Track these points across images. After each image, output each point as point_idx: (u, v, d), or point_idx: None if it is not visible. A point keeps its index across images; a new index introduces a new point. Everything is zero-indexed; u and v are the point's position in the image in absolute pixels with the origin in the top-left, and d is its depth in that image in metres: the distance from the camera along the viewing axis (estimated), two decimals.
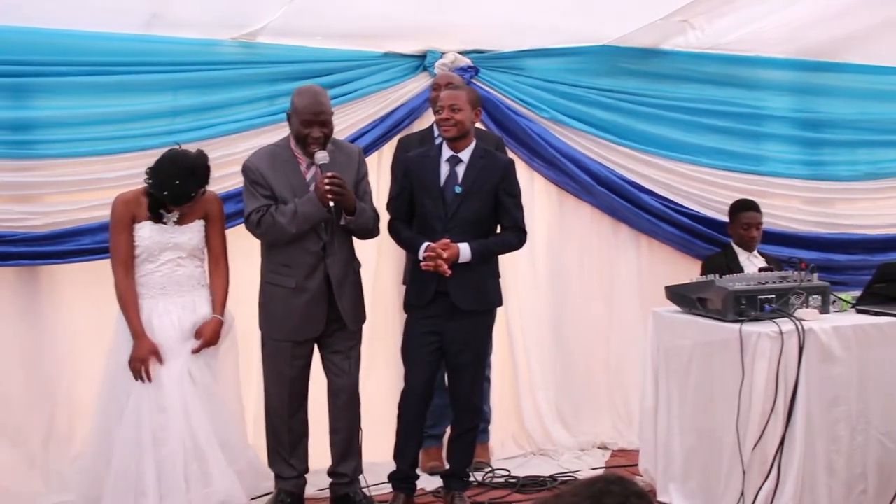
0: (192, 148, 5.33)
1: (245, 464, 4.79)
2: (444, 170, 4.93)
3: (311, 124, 4.77)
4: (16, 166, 5.39)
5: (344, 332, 4.99)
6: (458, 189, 4.88)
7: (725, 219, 6.46)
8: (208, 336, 4.76)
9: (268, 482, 5.04)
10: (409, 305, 5.07)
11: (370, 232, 5.05)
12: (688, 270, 6.18)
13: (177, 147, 4.78)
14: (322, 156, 4.77)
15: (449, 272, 4.77)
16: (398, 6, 5.46)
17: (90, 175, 5.34)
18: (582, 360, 6.46)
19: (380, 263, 6.00)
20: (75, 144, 5.47)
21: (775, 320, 4.55)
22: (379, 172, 5.99)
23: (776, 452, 4.44)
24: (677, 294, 5.01)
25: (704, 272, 5.94)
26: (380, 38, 5.98)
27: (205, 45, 5.75)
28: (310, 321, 4.92)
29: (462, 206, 4.87)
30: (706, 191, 6.58)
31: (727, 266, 5.96)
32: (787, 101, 6.80)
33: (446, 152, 4.94)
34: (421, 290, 4.96)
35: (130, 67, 5.59)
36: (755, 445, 4.45)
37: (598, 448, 6.24)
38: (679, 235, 6.48)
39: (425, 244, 4.83)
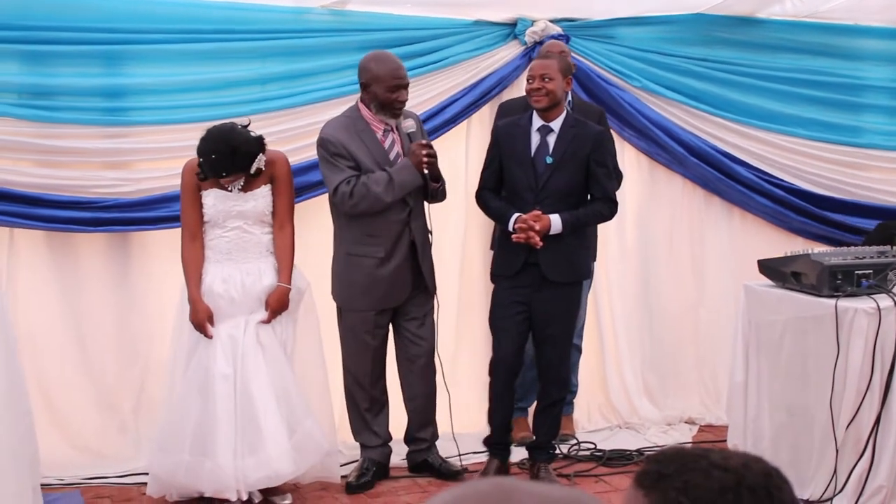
0: (281, 115, 5.61)
1: (302, 435, 4.79)
2: (535, 139, 4.94)
3: (397, 88, 4.88)
4: (108, 133, 5.52)
5: (418, 299, 5.09)
6: (549, 160, 4.89)
7: (820, 191, 6.41)
8: (275, 305, 4.81)
9: (326, 457, 5.02)
10: (496, 275, 5.11)
11: (444, 195, 5.17)
12: (781, 243, 6.13)
13: (237, 124, 4.80)
14: (409, 124, 4.91)
15: (540, 244, 4.79)
16: None
17: (181, 142, 5.37)
18: (670, 333, 6.44)
19: (468, 231, 6.03)
20: (166, 112, 5.57)
21: (872, 296, 4.51)
22: (468, 141, 6.06)
23: (871, 431, 4.41)
24: (770, 268, 4.99)
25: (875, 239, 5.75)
26: (470, 6, 6.00)
27: (295, 13, 5.80)
28: (397, 289, 5.02)
29: (553, 177, 4.89)
30: (801, 162, 6.53)
31: None
32: (887, 71, 6.70)
33: (537, 121, 4.95)
34: (510, 260, 4.98)
35: (221, 35, 5.66)
36: (849, 424, 4.43)
37: (686, 423, 6.24)
38: (773, 208, 6.44)
39: (515, 215, 4.85)
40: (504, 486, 1.29)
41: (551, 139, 4.91)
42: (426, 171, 4.87)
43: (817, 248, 5.19)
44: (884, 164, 6.71)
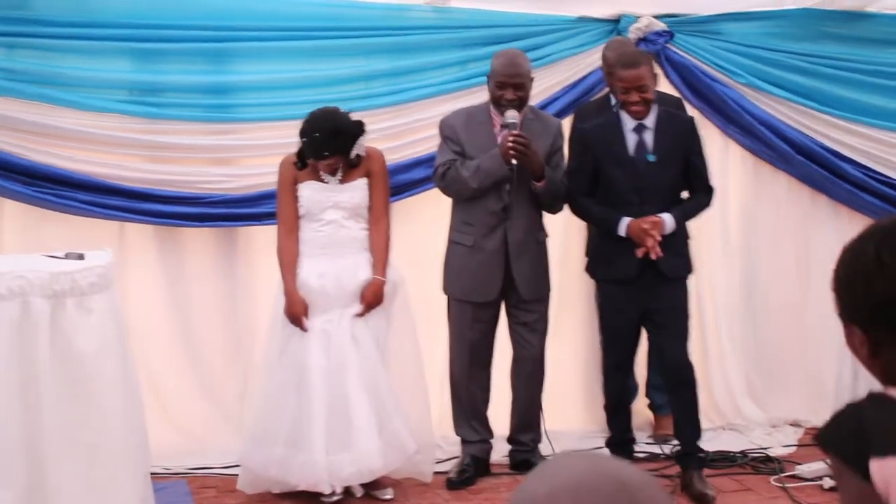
0: (385, 112, 5.67)
1: (390, 433, 4.77)
2: (632, 139, 4.91)
3: (504, 86, 4.88)
4: (215, 129, 5.66)
5: (527, 304, 5.05)
6: (651, 157, 4.87)
7: None
8: (370, 298, 4.82)
9: (414, 456, 4.97)
10: (608, 280, 5.07)
11: (557, 204, 5.09)
12: None
13: (340, 108, 4.87)
14: (511, 114, 4.84)
15: (661, 254, 4.76)
16: None
17: (286, 139, 5.35)
18: (775, 332, 6.34)
19: (568, 236, 5.96)
20: (272, 108, 5.66)
21: None
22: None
23: None
24: None
25: None
26: (573, 2, 5.99)
27: (398, 10, 5.88)
28: (484, 282, 5.01)
29: (657, 175, 4.86)
30: None
31: None
32: None
33: (628, 120, 4.91)
34: (626, 263, 4.90)
35: (325, 32, 5.76)
36: None
37: (790, 425, 6.14)
38: (882, 206, 6.25)
39: (626, 220, 4.81)
40: (626, 486, 1.29)
41: (648, 137, 4.89)
42: (514, 162, 4.79)
43: None
44: None
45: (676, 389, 5.09)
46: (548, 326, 5.18)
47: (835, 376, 5.30)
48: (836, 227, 6.34)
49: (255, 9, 5.66)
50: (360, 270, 4.88)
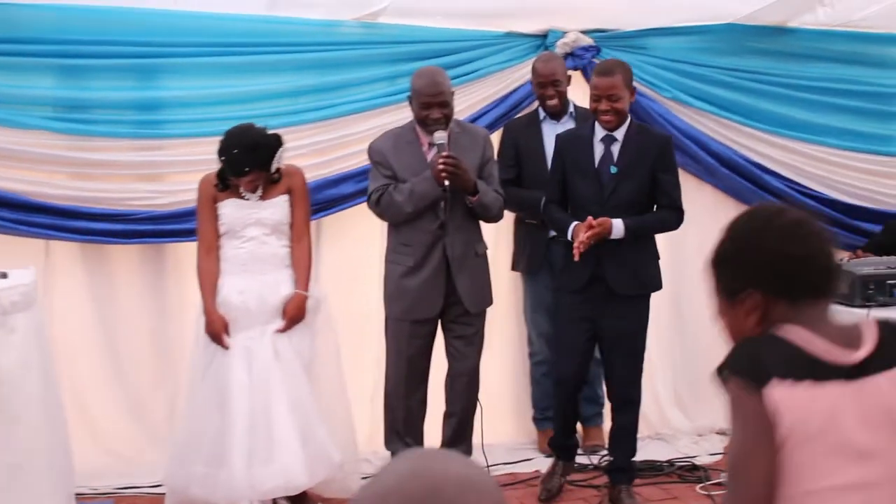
0: (314, 128, 5.67)
1: (315, 445, 4.75)
2: (599, 149, 4.88)
3: (429, 106, 4.86)
4: (142, 146, 5.60)
5: (467, 318, 5.05)
6: (613, 169, 4.83)
7: (852, 201, 6.38)
8: (292, 313, 4.79)
9: (340, 469, 4.95)
10: (559, 290, 5.07)
11: (494, 214, 5.08)
12: None
13: (255, 123, 4.83)
14: (440, 136, 4.83)
15: (576, 258, 4.70)
16: None
17: (214, 155, 5.15)
18: (701, 343, 6.27)
19: (496, 247, 5.93)
20: (200, 124, 5.62)
21: None
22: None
23: None
24: None
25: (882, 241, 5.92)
26: (501, 18, 6.01)
27: (326, 26, 5.83)
28: (426, 300, 5.00)
29: (618, 188, 4.82)
30: (834, 172, 6.50)
31: None
32: None
33: (599, 131, 4.88)
34: (575, 273, 4.89)
35: (254, 48, 5.73)
36: None
37: (716, 434, 6.20)
38: None
39: (573, 224, 4.80)
40: (440, 492, 1.34)
41: (615, 148, 4.86)
42: (446, 183, 4.80)
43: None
44: None
45: (621, 409, 5.07)
46: (484, 340, 5.19)
47: None
48: None
49: (183, 24, 5.61)
50: (282, 286, 4.86)
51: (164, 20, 5.57)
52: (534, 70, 5.75)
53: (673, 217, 4.97)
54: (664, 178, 4.89)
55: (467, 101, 5.95)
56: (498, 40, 6.07)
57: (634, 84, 5.85)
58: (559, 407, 5.18)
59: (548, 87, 5.65)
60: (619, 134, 4.87)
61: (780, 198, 6.33)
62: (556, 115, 5.70)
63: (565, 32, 6.06)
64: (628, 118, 4.90)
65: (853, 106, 6.53)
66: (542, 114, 5.77)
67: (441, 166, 4.75)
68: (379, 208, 4.99)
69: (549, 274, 5.68)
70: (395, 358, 5.11)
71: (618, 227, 4.76)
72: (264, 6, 5.71)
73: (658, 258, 5.07)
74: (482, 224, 5.15)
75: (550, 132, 5.53)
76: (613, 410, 5.11)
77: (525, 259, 5.90)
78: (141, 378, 5.69)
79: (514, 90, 6.08)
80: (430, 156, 4.95)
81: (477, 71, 5.98)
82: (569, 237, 4.81)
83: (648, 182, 4.87)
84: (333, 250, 5.91)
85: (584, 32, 6.09)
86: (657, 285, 5.04)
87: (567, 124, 5.62)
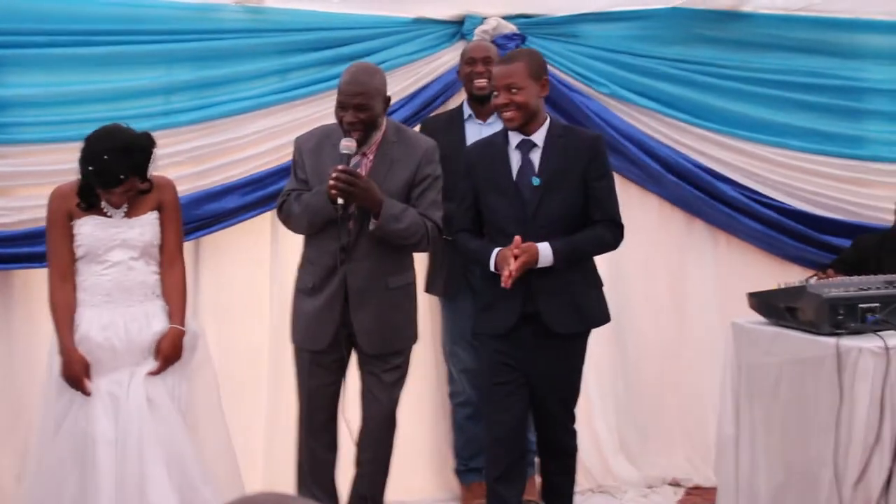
0: (191, 131, 5.65)
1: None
2: (515, 159, 4.69)
3: (345, 107, 4.74)
4: None
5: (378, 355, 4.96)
6: (535, 181, 4.62)
7: (818, 212, 6.40)
8: (167, 351, 4.67)
9: None
10: (481, 334, 4.86)
11: (413, 244, 4.92)
12: (774, 273, 6.10)
13: (120, 123, 4.69)
14: (345, 145, 4.70)
15: (508, 285, 4.49)
16: None
17: (70, 164, 4.95)
18: (648, 379, 6.41)
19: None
20: (52, 128, 5.51)
21: (879, 333, 4.44)
22: None
23: (882, 491, 4.35)
24: (762, 302, 4.93)
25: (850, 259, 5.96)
26: (408, 1, 6.02)
27: (204, 11, 5.79)
28: (317, 329, 4.90)
29: (544, 202, 4.61)
30: (796, 179, 6.50)
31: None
32: (892, 72, 6.66)
33: (515, 137, 4.70)
34: (501, 313, 4.70)
35: (117, 37, 5.64)
36: (857, 482, 4.36)
37: (669, 485, 6.20)
38: (763, 232, 6.43)
39: (495, 251, 4.60)
40: None
41: (535, 156, 4.66)
42: (340, 200, 4.66)
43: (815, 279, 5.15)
44: (889, 179, 6.64)
45: (555, 461, 4.93)
46: (403, 381, 5.06)
47: (716, 427, 5.27)
48: (714, 255, 6.50)
49: (32, 9, 5.51)
50: (154, 320, 4.71)
51: (5, 3, 5.45)
52: (463, 52, 5.80)
53: (609, 233, 4.77)
54: (597, 187, 4.70)
55: None
56: (405, 27, 6.05)
57: (566, 78, 5.92)
58: (500, 482, 4.79)
59: (478, 63, 5.65)
60: (539, 137, 4.69)
61: (736, 208, 6.37)
62: (482, 104, 5.65)
63: (485, 18, 6.05)
64: (547, 119, 4.74)
65: (817, 102, 6.54)
66: (466, 112, 5.74)
67: (332, 182, 4.62)
68: (281, 214, 4.95)
69: (470, 298, 5.58)
70: (298, 391, 5.03)
71: (544, 253, 4.56)
72: None
73: (601, 285, 4.90)
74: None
75: (475, 134, 5.49)
76: (545, 463, 4.96)
77: (442, 281, 5.83)
78: None
79: (425, 86, 6.06)
80: (354, 162, 4.82)
81: (381, 64, 5.65)
82: (492, 268, 4.61)
83: (579, 193, 4.67)
84: (215, 276, 5.85)
85: (507, 18, 6.08)
86: (603, 318, 4.88)
87: (495, 126, 5.47)
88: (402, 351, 5.02)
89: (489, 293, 4.73)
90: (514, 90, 4.58)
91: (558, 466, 4.92)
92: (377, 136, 4.83)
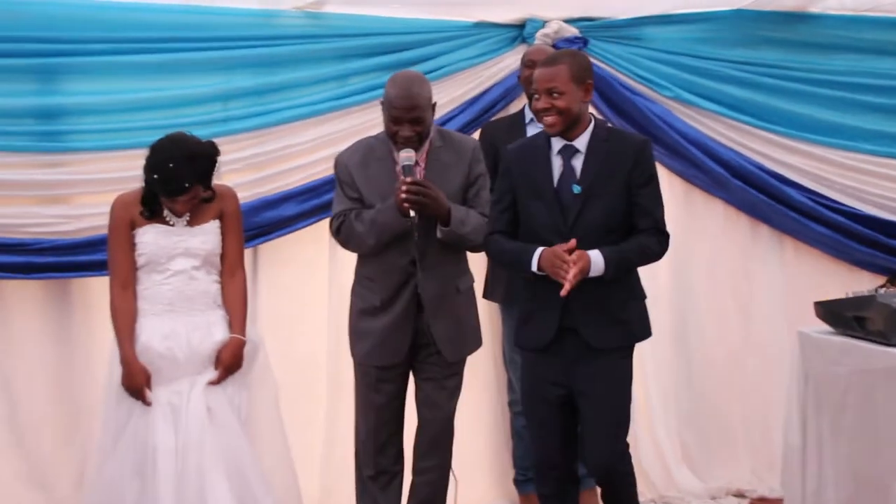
0: (249, 138, 5.66)
1: None
2: (557, 164, 4.52)
3: (399, 121, 4.74)
4: (42, 161, 5.52)
5: (440, 358, 4.94)
6: (576, 189, 4.45)
7: (889, 216, 6.37)
8: (228, 360, 4.69)
9: None
10: (522, 347, 4.73)
11: (476, 245, 4.90)
12: (842, 280, 6.12)
13: (184, 132, 4.73)
14: (406, 157, 4.71)
15: (568, 289, 4.28)
16: None
17: (129, 171, 5.19)
18: (712, 388, 6.37)
19: None
20: (112, 136, 5.55)
21: None
22: None
23: None
24: (830, 311, 4.88)
25: None
26: (469, 5, 5.99)
27: (262, 17, 5.80)
28: (391, 344, 4.90)
29: (585, 211, 4.41)
30: (866, 182, 6.47)
31: None
32: None
33: (557, 142, 4.54)
34: (540, 326, 4.53)
35: (175, 44, 5.66)
36: None
37: (734, 496, 6.16)
38: (832, 237, 6.40)
39: (539, 250, 4.40)
40: None
41: (577, 162, 4.48)
42: (412, 213, 4.67)
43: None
44: None
45: (602, 485, 4.74)
46: (461, 385, 5.09)
47: (782, 437, 5.25)
48: (781, 261, 6.46)
49: (91, 17, 5.54)
50: (215, 330, 4.73)
51: (67, 11, 5.49)
52: (524, 56, 5.70)
53: (655, 242, 4.52)
54: (642, 193, 4.47)
55: None
56: (466, 32, 6.05)
57: (629, 81, 5.87)
58: (543, 498, 4.77)
59: (535, 66, 5.37)
60: (581, 143, 4.49)
61: (804, 213, 6.33)
62: None
63: (546, 22, 6.03)
64: (591, 123, 4.54)
65: (888, 104, 6.50)
66: (527, 115, 5.68)
67: (403, 195, 4.63)
68: (340, 237, 4.91)
69: None
70: (362, 408, 5.02)
71: (596, 261, 4.33)
72: None
73: (643, 297, 4.68)
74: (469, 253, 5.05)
75: None
76: (599, 484, 4.79)
77: (502, 286, 5.75)
78: (43, 440, 5.58)
79: (486, 91, 6.05)
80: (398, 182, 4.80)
81: (441, 68, 5.95)
82: (534, 268, 4.41)
83: (622, 200, 4.46)
84: (273, 284, 5.86)
85: (569, 21, 6.06)
86: (644, 333, 4.65)
87: None
88: (466, 356, 5.06)
89: (527, 303, 4.61)
90: (555, 94, 4.40)
91: (610, 492, 4.73)
92: (426, 143, 4.85)
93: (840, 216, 6.40)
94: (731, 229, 6.42)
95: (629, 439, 4.81)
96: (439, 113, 5.76)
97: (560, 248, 4.31)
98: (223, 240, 4.80)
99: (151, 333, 4.67)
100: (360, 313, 4.96)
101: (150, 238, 4.70)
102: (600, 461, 4.54)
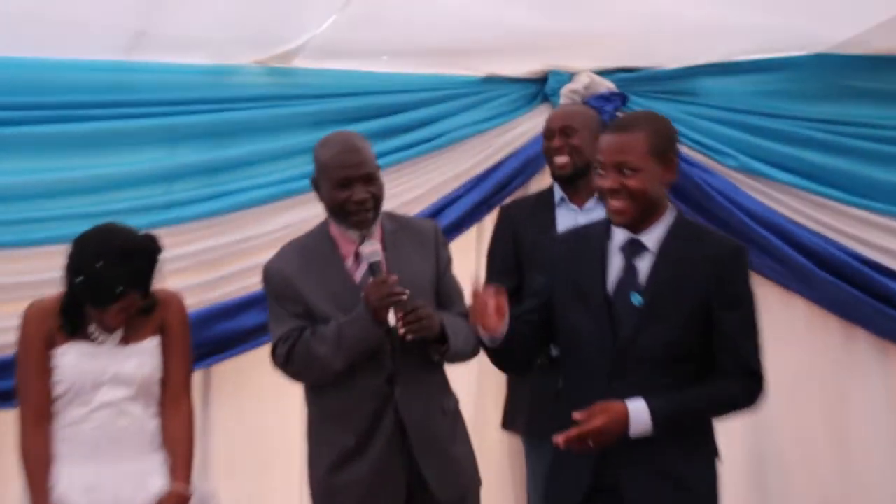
0: (199, 228, 5.35)
1: None
2: (616, 264, 3.85)
3: (348, 183, 4.23)
4: None
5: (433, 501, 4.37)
6: (636, 299, 3.77)
7: None
8: None
9: None
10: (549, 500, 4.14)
11: (469, 356, 4.44)
12: None
13: (116, 223, 4.31)
14: (371, 251, 4.19)
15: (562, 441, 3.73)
16: (505, 6, 4.97)
17: (42, 274, 4.91)
18: None
19: (480, 395, 5.63)
20: (24, 227, 5.14)
21: None
22: (478, 258, 5.56)
23: None
24: None
25: None
26: (477, 55, 5.65)
27: (217, 75, 5.49)
28: (380, 497, 4.29)
29: (644, 331, 3.76)
30: None
31: None
32: None
33: (621, 234, 3.86)
34: (566, 483, 3.92)
35: (108, 110, 5.31)
36: None
37: None
38: None
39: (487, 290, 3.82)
40: None
41: (644, 264, 3.82)
42: (394, 324, 4.12)
43: None
44: None
45: None
46: None
47: None
48: (883, 376, 5.92)
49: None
50: (151, 479, 4.26)
51: None
52: (546, 127, 5.30)
53: (742, 389, 3.82)
54: (728, 319, 3.76)
55: (428, 184, 5.61)
56: (473, 89, 5.77)
57: (681, 148, 4.99)
58: None
59: (555, 136, 5.06)
60: (653, 238, 3.81)
61: None
62: (573, 184, 5.06)
63: (573, 75, 5.70)
64: (669, 213, 3.88)
65: None
66: (557, 194, 5.17)
67: (402, 331, 4.12)
68: (292, 367, 4.31)
69: None
70: None
71: (638, 418, 3.68)
72: (122, 49, 5.25)
73: (715, 453, 3.98)
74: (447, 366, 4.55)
75: (569, 223, 4.96)
76: None
77: (524, 416, 5.24)
78: None
79: (499, 163, 5.71)
80: (360, 273, 4.27)
81: (442, 136, 5.65)
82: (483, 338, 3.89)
83: (696, 322, 3.76)
84: (229, 418, 5.50)
85: (602, 74, 5.74)
86: (709, 498, 3.95)
87: (595, 212, 4.87)
88: (468, 497, 4.49)
89: (557, 447, 3.85)
90: (626, 171, 3.70)
91: None
92: (380, 225, 4.41)
93: None
94: (818, 336, 5.95)
95: None
96: (440, 194, 5.70)
97: (486, 294, 3.79)
98: (165, 361, 4.36)
99: (69, 485, 4.23)
100: (328, 468, 4.33)
101: (70, 360, 4.24)
102: None
